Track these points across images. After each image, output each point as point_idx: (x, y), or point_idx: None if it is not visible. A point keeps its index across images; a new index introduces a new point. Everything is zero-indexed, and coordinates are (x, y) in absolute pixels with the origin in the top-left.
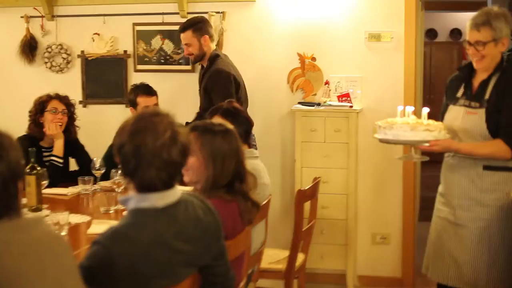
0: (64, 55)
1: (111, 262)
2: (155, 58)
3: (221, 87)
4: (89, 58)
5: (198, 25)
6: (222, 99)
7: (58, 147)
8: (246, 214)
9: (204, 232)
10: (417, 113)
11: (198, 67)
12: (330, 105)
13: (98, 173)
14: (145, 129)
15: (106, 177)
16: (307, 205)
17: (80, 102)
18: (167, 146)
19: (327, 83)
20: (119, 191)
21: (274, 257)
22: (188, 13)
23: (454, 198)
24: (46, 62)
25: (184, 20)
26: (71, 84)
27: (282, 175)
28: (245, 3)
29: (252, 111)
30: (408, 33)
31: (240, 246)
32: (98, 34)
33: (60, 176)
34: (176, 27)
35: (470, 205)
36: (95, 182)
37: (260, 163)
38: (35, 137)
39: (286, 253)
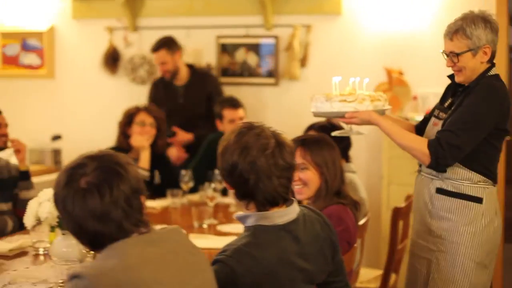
0: (147, 67)
1: (235, 281)
2: (239, 71)
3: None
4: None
5: (171, 43)
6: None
7: (144, 160)
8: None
9: (323, 248)
10: None
11: (283, 81)
12: (418, 121)
13: (186, 187)
14: (251, 143)
15: (192, 190)
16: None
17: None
18: (278, 152)
19: (415, 98)
20: (211, 205)
21: (365, 276)
22: (273, 25)
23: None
24: (128, 74)
25: (269, 33)
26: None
27: (368, 192)
28: (331, 16)
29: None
30: (500, 47)
31: (352, 260)
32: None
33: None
34: (262, 40)
35: (423, 231)
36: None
37: (357, 178)
38: (122, 149)
39: (375, 272)
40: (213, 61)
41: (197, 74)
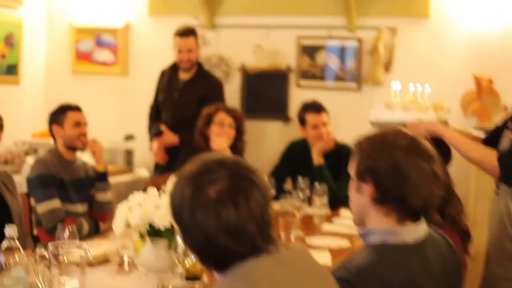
0: (224, 67)
1: None
2: (319, 73)
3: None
4: (250, 72)
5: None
6: None
7: None
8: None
9: (449, 273)
10: None
11: (365, 86)
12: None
13: None
14: (416, 146)
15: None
16: None
17: None
18: (434, 161)
19: (505, 108)
20: (298, 216)
21: None
22: (357, 27)
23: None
24: None
25: (352, 34)
26: (229, 97)
27: None
28: (418, 19)
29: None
30: None
31: None
32: (261, 47)
33: None
34: (345, 42)
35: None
36: None
37: None
38: (201, 149)
39: None
40: (292, 62)
41: (201, 73)
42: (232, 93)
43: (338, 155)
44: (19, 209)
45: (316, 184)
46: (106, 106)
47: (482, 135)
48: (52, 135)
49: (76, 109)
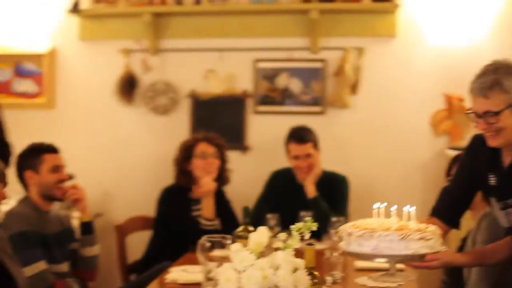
0: (171, 94)
1: None
2: (279, 98)
3: None
4: (201, 98)
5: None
6: None
7: (208, 207)
8: None
9: None
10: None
11: (329, 109)
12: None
13: (273, 233)
14: None
15: None
16: None
17: None
18: None
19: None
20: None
21: None
22: (321, 48)
23: None
24: (148, 103)
25: (317, 56)
26: (176, 127)
27: None
28: (385, 38)
29: (388, 153)
30: None
31: None
32: (213, 71)
33: None
34: (306, 64)
35: None
36: None
37: None
38: (184, 188)
39: None
40: (249, 87)
41: None
42: (180, 122)
43: (325, 184)
44: (23, 279)
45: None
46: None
47: (454, 153)
48: (24, 182)
49: (53, 150)
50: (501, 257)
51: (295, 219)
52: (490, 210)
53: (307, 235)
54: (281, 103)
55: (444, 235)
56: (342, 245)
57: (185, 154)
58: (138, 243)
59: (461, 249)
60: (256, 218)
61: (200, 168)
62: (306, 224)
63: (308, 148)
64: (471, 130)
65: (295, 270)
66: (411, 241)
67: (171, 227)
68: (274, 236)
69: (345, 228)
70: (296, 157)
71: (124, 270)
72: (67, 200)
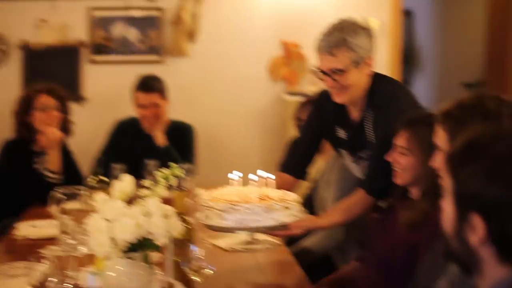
0: (0, 45)
1: None
2: (116, 47)
3: None
4: (33, 49)
5: None
6: None
7: (53, 159)
8: None
9: None
10: None
11: (168, 58)
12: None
13: None
14: None
15: None
16: None
17: None
18: None
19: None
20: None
21: None
22: None
23: None
24: None
25: (154, 4)
26: (7, 80)
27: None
28: None
29: (229, 100)
30: (395, 20)
31: None
32: (45, 21)
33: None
34: (143, 13)
35: None
36: None
37: None
38: (25, 141)
39: None
40: (84, 37)
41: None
42: (11, 75)
43: (172, 133)
44: None
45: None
46: None
47: (292, 99)
48: None
49: None
50: (358, 213)
51: (141, 168)
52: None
53: (173, 182)
54: (117, 52)
55: (293, 188)
56: (202, 218)
57: (25, 106)
58: None
59: (313, 189)
60: (101, 169)
61: (40, 121)
62: (172, 170)
63: (155, 97)
64: (307, 76)
65: (166, 216)
66: (275, 211)
67: (13, 182)
68: None
69: (205, 201)
70: (142, 106)
71: None
72: None
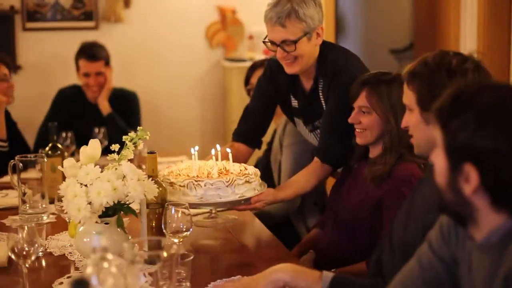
0: None
1: None
2: (49, 14)
3: None
4: None
5: None
6: None
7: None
8: None
9: None
10: None
11: (103, 24)
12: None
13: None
14: None
15: None
16: None
17: None
18: None
19: (251, 37)
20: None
21: None
22: None
23: None
24: None
25: None
26: None
27: (219, 137)
28: None
29: (167, 67)
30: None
31: None
32: None
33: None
34: None
35: None
36: None
37: None
38: None
39: None
40: (17, 3)
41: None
42: None
43: (115, 100)
44: None
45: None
46: None
47: (231, 65)
48: None
49: None
50: (316, 182)
51: (88, 136)
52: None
53: (140, 145)
54: (51, 19)
55: (248, 157)
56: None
57: None
58: None
59: (267, 152)
60: (45, 138)
61: None
62: (139, 133)
63: (99, 65)
64: (245, 42)
65: (139, 179)
66: (237, 186)
67: None
68: (71, 155)
69: (166, 176)
70: (87, 75)
71: None
72: None
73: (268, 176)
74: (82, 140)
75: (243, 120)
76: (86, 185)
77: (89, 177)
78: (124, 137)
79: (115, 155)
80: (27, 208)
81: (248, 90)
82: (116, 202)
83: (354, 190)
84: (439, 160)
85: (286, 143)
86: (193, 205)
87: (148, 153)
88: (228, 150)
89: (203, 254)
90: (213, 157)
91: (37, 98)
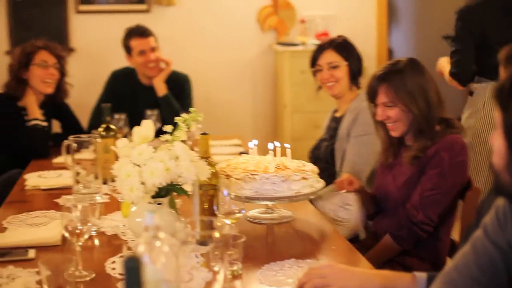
0: None
1: None
2: None
3: None
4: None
5: None
6: None
7: (34, 109)
8: None
9: None
10: None
11: (155, 7)
12: (314, 44)
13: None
14: None
15: None
16: None
17: (8, 52)
18: None
19: (303, 21)
20: None
21: None
22: None
23: None
24: None
25: None
26: None
27: (269, 121)
28: None
29: (218, 51)
30: None
31: None
32: None
33: (46, 142)
34: None
35: None
36: None
37: None
38: (12, 96)
39: None
40: None
41: None
42: None
43: (168, 83)
44: None
45: None
46: None
47: (282, 49)
48: None
49: None
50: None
51: (141, 119)
52: None
53: (193, 127)
54: (104, 1)
55: None
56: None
57: (23, 61)
58: None
59: (331, 138)
60: (98, 120)
61: (38, 78)
62: (192, 115)
63: (152, 41)
64: (296, 26)
65: (191, 161)
66: (293, 182)
67: (3, 137)
68: (124, 137)
69: (223, 169)
70: (142, 52)
71: None
72: None
73: (330, 163)
74: (134, 122)
75: None
76: (139, 165)
77: (142, 157)
78: (176, 118)
79: (168, 136)
80: (81, 188)
81: (314, 72)
82: (168, 182)
83: (399, 174)
84: (497, 141)
85: (355, 133)
86: (248, 199)
87: (201, 134)
88: (287, 145)
89: (256, 237)
90: (271, 152)
91: (90, 80)
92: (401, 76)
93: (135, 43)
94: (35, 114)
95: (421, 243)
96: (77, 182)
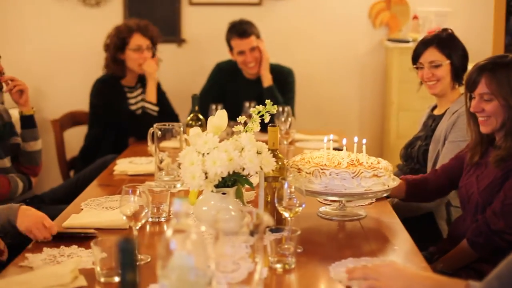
0: None
1: None
2: None
3: None
4: None
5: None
6: None
7: (151, 91)
8: None
9: None
10: None
11: (267, 0)
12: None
13: None
14: None
15: None
16: None
17: None
18: None
19: (415, 17)
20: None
21: None
22: None
23: None
24: None
25: None
26: (109, 20)
27: (376, 119)
28: None
29: (328, 46)
30: None
31: None
32: None
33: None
34: None
35: None
36: None
37: None
38: (117, 76)
39: None
40: None
41: None
42: (113, 16)
43: (274, 75)
44: None
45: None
46: None
47: (394, 45)
48: None
49: None
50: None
51: (240, 110)
52: None
53: (267, 118)
54: None
55: None
56: (291, 180)
57: (119, 44)
58: (75, 140)
59: (428, 138)
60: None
61: (133, 61)
62: (266, 107)
63: (252, 41)
64: (409, 22)
65: (258, 152)
66: (363, 178)
67: (107, 118)
68: None
69: (295, 162)
70: (242, 53)
71: (64, 165)
72: (11, 92)
73: (422, 164)
74: (233, 114)
75: None
76: (203, 154)
77: (207, 146)
78: (251, 109)
79: (240, 127)
80: (163, 175)
81: (416, 68)
82: (231, 172)
83: (483, 177)
84: None
85: (452, 138)
86: (315, 194)
87: (269, 126)
88: (364, 141)
89: (318, 233)
90: (345, 148)
91: (197, 71)
92: (507, 69)
93: (235, 43)
94: (152, 98)
95: (500, 250)
96: (160, 169)
